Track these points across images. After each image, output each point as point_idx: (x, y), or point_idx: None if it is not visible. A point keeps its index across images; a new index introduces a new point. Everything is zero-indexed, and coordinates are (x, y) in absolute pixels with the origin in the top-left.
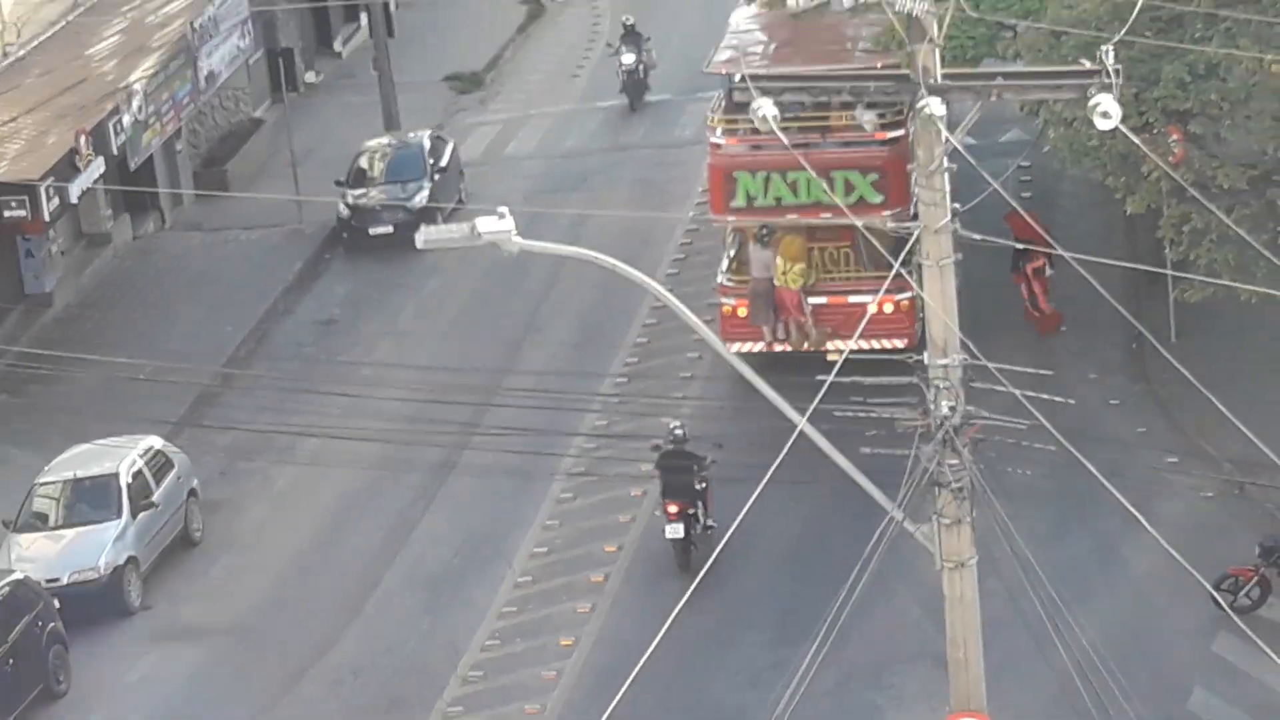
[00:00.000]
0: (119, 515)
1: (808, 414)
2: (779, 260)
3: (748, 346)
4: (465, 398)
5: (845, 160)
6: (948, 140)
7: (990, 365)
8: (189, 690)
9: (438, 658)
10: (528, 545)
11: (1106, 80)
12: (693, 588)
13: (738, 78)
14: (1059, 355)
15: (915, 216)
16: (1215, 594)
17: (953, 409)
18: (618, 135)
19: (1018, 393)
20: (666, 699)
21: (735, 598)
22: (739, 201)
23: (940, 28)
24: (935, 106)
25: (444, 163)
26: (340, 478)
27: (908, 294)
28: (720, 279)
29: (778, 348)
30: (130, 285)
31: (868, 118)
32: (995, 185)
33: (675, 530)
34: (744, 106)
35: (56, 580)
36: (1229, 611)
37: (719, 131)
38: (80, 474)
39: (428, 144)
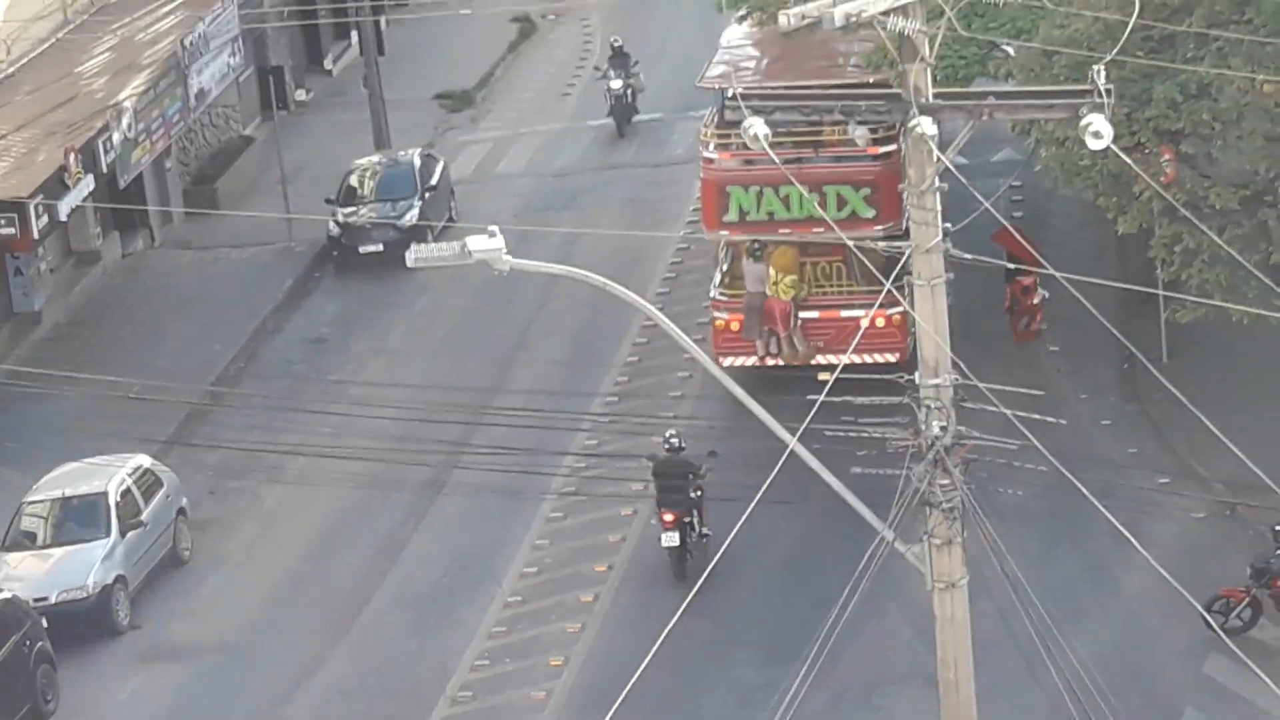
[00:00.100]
0: (107, 534)
1: (798, 434)
2: (771, 271)
3: (740, 361)
4: (455, 417)
5: (838, 175)
6: (939, 160)
7: (981, 385)
8: (177, 709)
9: (427, 678)
10: (517, 565)
11: (1098, 100)
12: (682, 608)
13: (730, 93)
14: (1050, 375)
15: (907, 231)
16: (1206, 615)
17: (944, 429)
18: (608, 154)
19: (1009, 413)
20: (657, 719)
21: (726, 617)
22: (732, 216)
23: (932, 47)
24: (927, 126)
25: (434, 181)
26: (329, 497)
27: (899, 309)
28: (713, 293)
29: (770, 362)
30: (119, 303)
31: (860, 133)
32: (987, 205)
33: (671, 539)
34: (737, 122)
35: (45, 599)
36: (1220, 633)
37: (712, 146)
38: (68, 492)
39: (418, 162)
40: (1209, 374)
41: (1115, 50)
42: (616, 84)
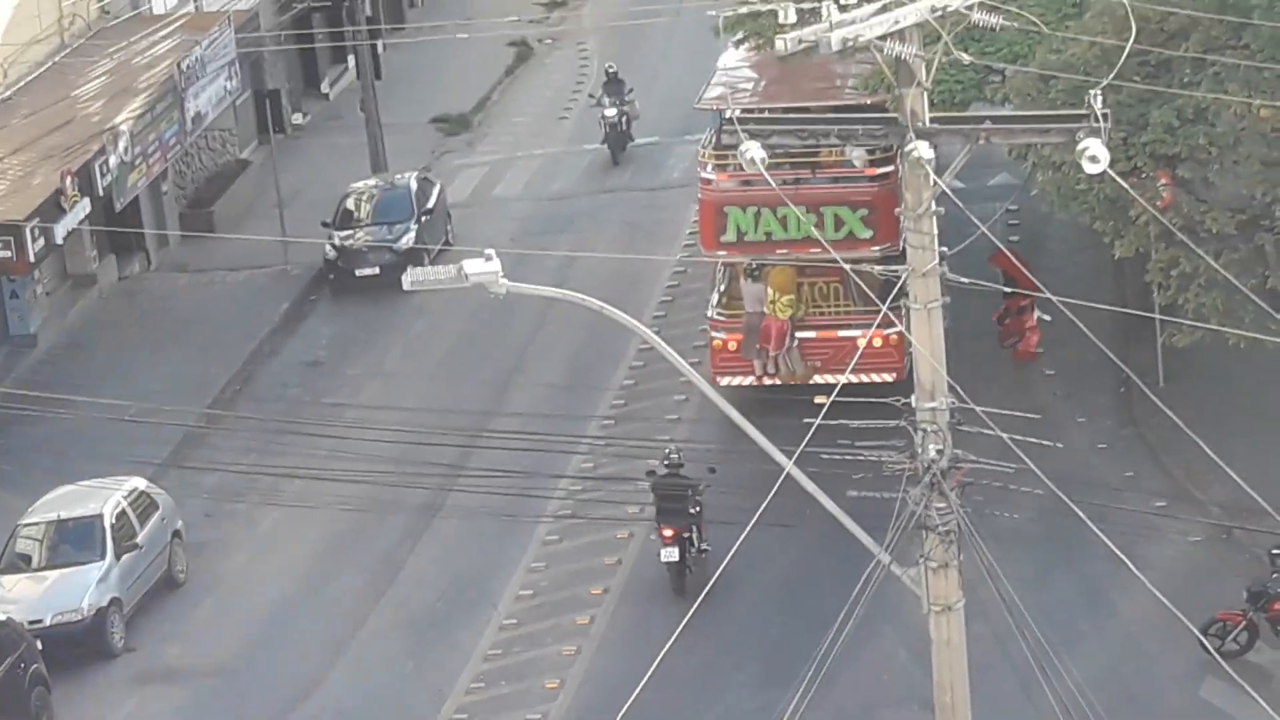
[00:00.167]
0: (102, 557)
1: (794, 457)
2: (769, 290)
3: (738, 380)
4: (451, 440)
5: (835, 196)
6: (936, 184)
7: (978, 409)
8: None
9: (422, 700)
10: (513, 588)
11: (1095, 124)
12: (678, 631)
13: (728, 114)
14: (1047, 399)
15: (905, 252)
16: (1203, 638)
17: (940, 452)
18: (605, 178)
19: (1005, 436)
20: None
21: (722, 640)
22: (729, 236)
23: (929, 71)
24: (923, 150)
25: (431, 204)
26: (325, 519)
27: (897, 328)
28: (711, 313)
29: (767, 381)
30: (115, 326)
31: (857, 154)
32: (983, 229)
33: (670, 554)
34: (735, 145)
35: (40, 621)
36: (1216, 656)
37: (710, 167)
38: (64, 515)
39: (415, 185)
40: (1205, 398)
41: (1112, 75)
42: (611, 111)
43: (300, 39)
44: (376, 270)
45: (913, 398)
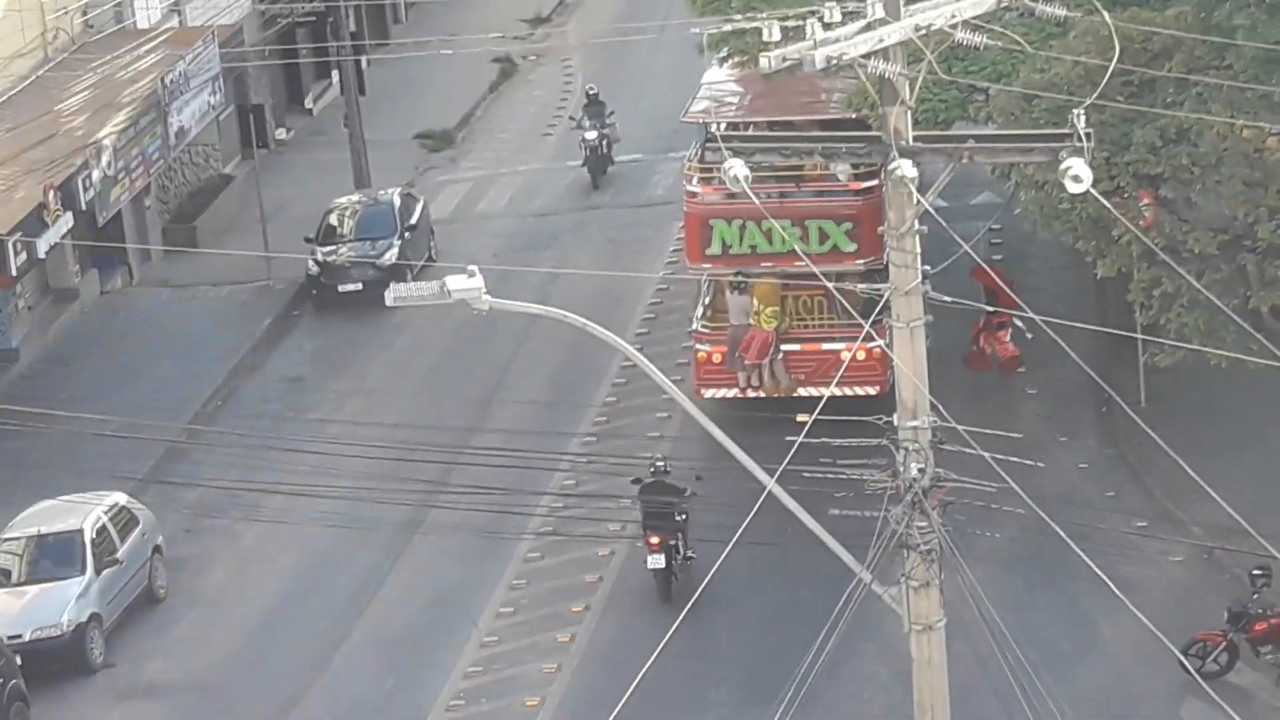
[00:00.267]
0: (82, 572)
1: (776, 475)
2: (754, 301)
3: (722, 392)
4: (433, 456)
5: (820, 210)
6: (919, 202)
7: (960, 428)
8: None
9: (402, 718)
10: (494, 605)
11: (1078, 144)
12: (659, 649)
13: (713, 127)
14: (1029, 418)
15: (889, 266)
16: (1184, 659)
17: (922, 471)
18: (588, 194)
19: (987, 455)
20: None
21: (704, 658)
22: (715, 249)
23: (912, 90)
24: (907, 169)
25: (414, 220)
26: (306, 536)
27: (880, 342)
28: (695, 325)
29: (751, 393)
30: (97, 341)
31: (842, 168)
32: (966, 247)
33: (657, 561)
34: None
35: (19, 637)
36: (1197, 677)
37: (695, 180)
38: (44, 530)
39: (398, 201)
40: (1187, 418)
41: (1095, 95)
42: (591, 134)
43: (284, 54)
44: (359, 286)
45: (895, 416)
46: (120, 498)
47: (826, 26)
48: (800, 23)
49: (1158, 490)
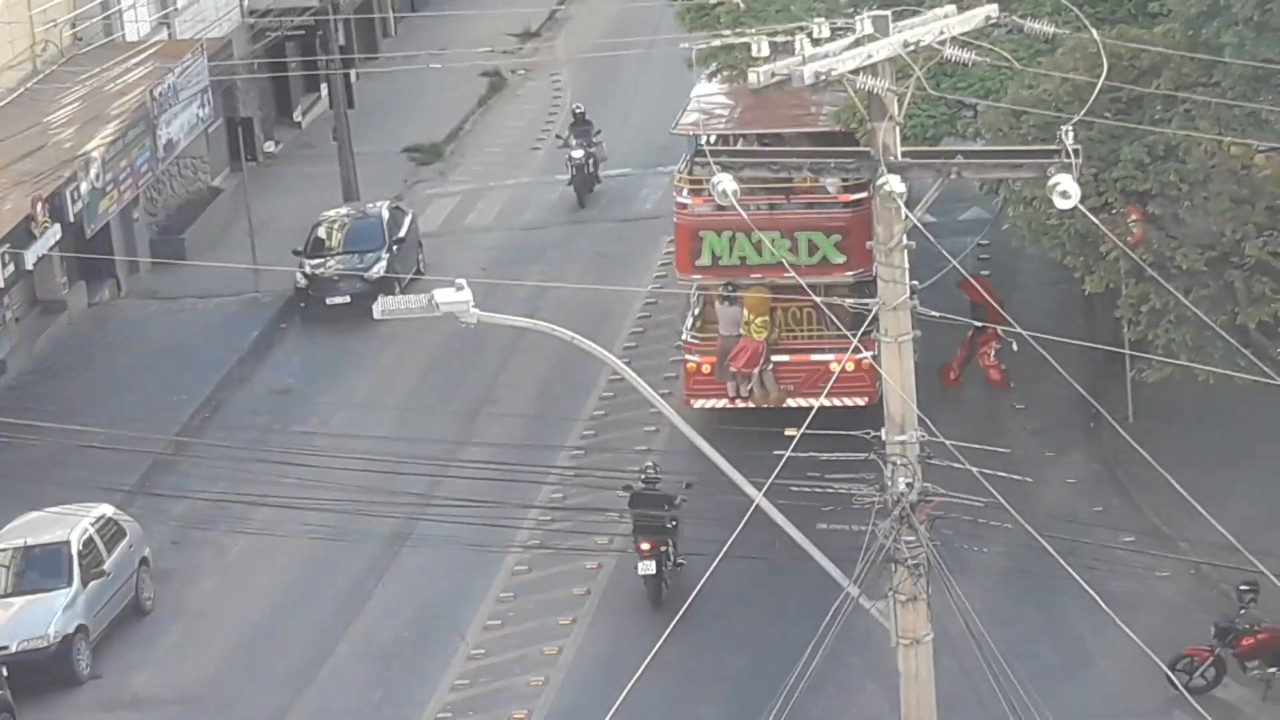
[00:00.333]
0: (69, 583)
1: (764, 489)
2: (744, 311)
3: (711, 403)
4: (420, 469)
5: (809, 221)
6: (907, 218)
7: (948, 442)
8: None
9: None
10: (481, 618)
11: (1066, 160)
12: (646, 662)
13: (703, 139)
14: (1017, 433)
15: (878, 279)
16: (1171, 674)
17: (910, 486)
18: (576, 208)
19: (975, 470)
20: None
21: (691, 671)
22: (704, 260)
23: (901, 106)
24: (895, 184)
25: (402, 233)
26: (293, 548)
27: (869, 353)
28: (685, 336)
29: (740, 404)
30: (85, 352)
31: (831, 180)
32: (954, 263)
33: (648, 567)
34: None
35: (5, 648)
36: (1184, 692)
37: (685, 191)
38: (30, 541)
39: (386, 214)
40: (1175, 433)
41: (1083, 111)
42: (578, 153)
43: (273, 67)
44: (347, 299)
45: (882, 431)
46: (107, 509)
47: (815, 42)
48: (789, 38)
49: (1145, 505)
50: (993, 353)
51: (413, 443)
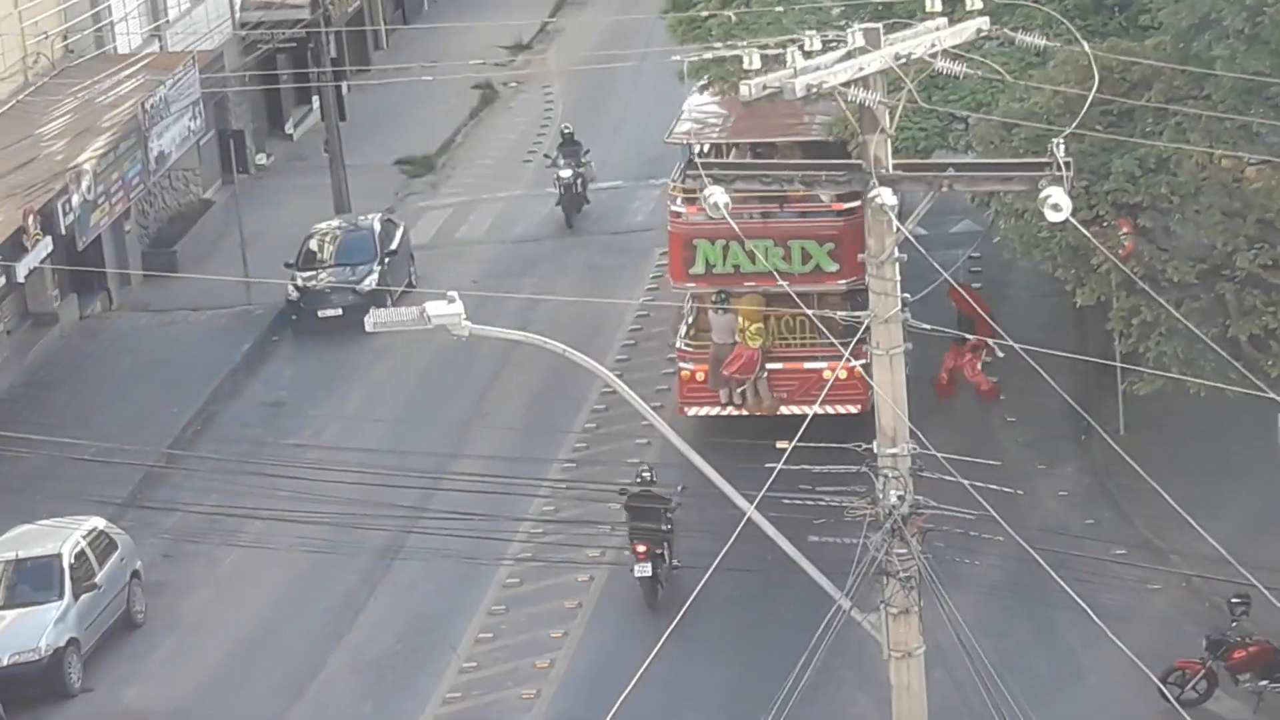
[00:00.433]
0: (60, 596)
1: (756, 501)
2: (739, 319)
3: (705, 410)
4: (412, 481)
5: (802, 230)
6: (899, 230)
7: (939, 455)
8: None
9: None
10: (473, 630)
11: (1057, 173)
12: (638, 675)
13: (697, 148)
14: (1008, 446)
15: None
16: (1162, 687)
17: (901, 498)
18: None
19: (966, 483)
20: None
21: (683, 684)
22: (698, 269)
23: (892, 119)
24: (887, 197)
25: (394, 246)
26: (285, 561)
27: (862, 360)
28: (679, 344)
29: (731, 411)
30: (76, 365)
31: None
32: (946, 275)
33: (644, 569)
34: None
35: None
36: (1176, 705)
37: (679, 200)
38: (22, 554)
39: (378, 227)
40: (1166, 446)
41: (1074, 124)
42: (566, 173)
43: (265, 79)
44: (339, 311)
45: (874, 443)
46: (99, 522)
47: (807, 55)
48: (780, 50)
49: (1137, 518)
50: (980, 364)
51: (405, 455)
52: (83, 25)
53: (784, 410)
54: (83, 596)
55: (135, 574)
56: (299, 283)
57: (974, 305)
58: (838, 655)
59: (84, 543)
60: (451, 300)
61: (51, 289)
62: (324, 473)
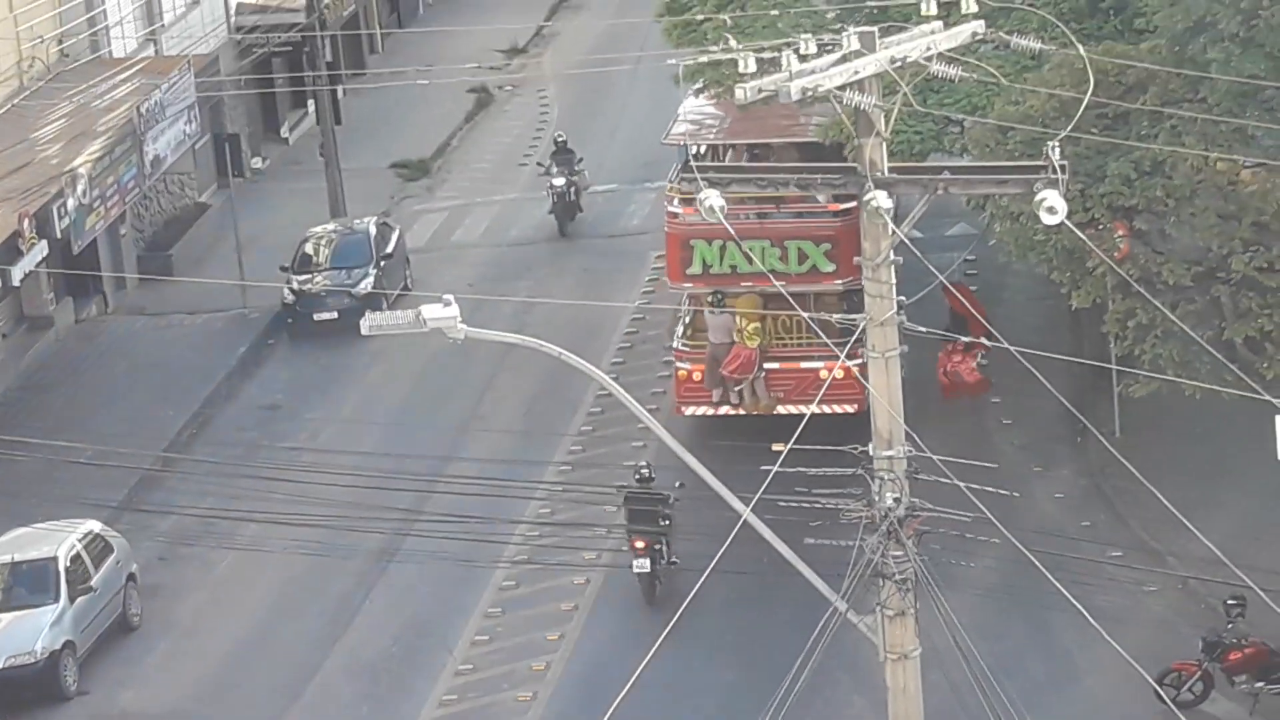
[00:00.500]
0: (56, 599)
1: (752, 504)
2: (738, 318)
3: (702, 410)
4: (408, 484)
5: (799, 231)
6: (894, 233)
7: (935, 457)
8: None
9: None
10: (469, 633)
11: (1053, 176)
12: (634, 678)
13: (694, 149)
14: (1004, 448)
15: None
16: (1159, 688)
17: (897, 500)
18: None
19: (962, 485)
20: None
21: (679, 686)
22: (695, 269)
23: (888, 122)
24: (882, 199)
25: (390, 249)
26: (281, 564)
27: (858, 360)
28: (676, 344)
29: (727, 410)
30: (72, 369)
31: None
32: (941, 278)
33: (642, 565)
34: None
35: None
36: (1172, 706)
37: (676, 201)
38: (18, 557)
39: (374, 230)
40: (1162, 448)
41: (1070, 127)
42: (559, 181)
43: (260, 83)
44: (335, 314)
45: (870, 446)
46: (94, 525)
47: (802, 58)
48: (776, 54)
49: (1133, 520)
50: (974, 364)
51: (400, 458)
52: (78, 29)
53: (780, 410)
54: (78, 599)
55: (131, 577)
56: (294, 286)
57: (967, 305)
58: (834, 657)
59: (80, 546)
60: (447, 303)
61: (47, 293)
62: (320, 475)
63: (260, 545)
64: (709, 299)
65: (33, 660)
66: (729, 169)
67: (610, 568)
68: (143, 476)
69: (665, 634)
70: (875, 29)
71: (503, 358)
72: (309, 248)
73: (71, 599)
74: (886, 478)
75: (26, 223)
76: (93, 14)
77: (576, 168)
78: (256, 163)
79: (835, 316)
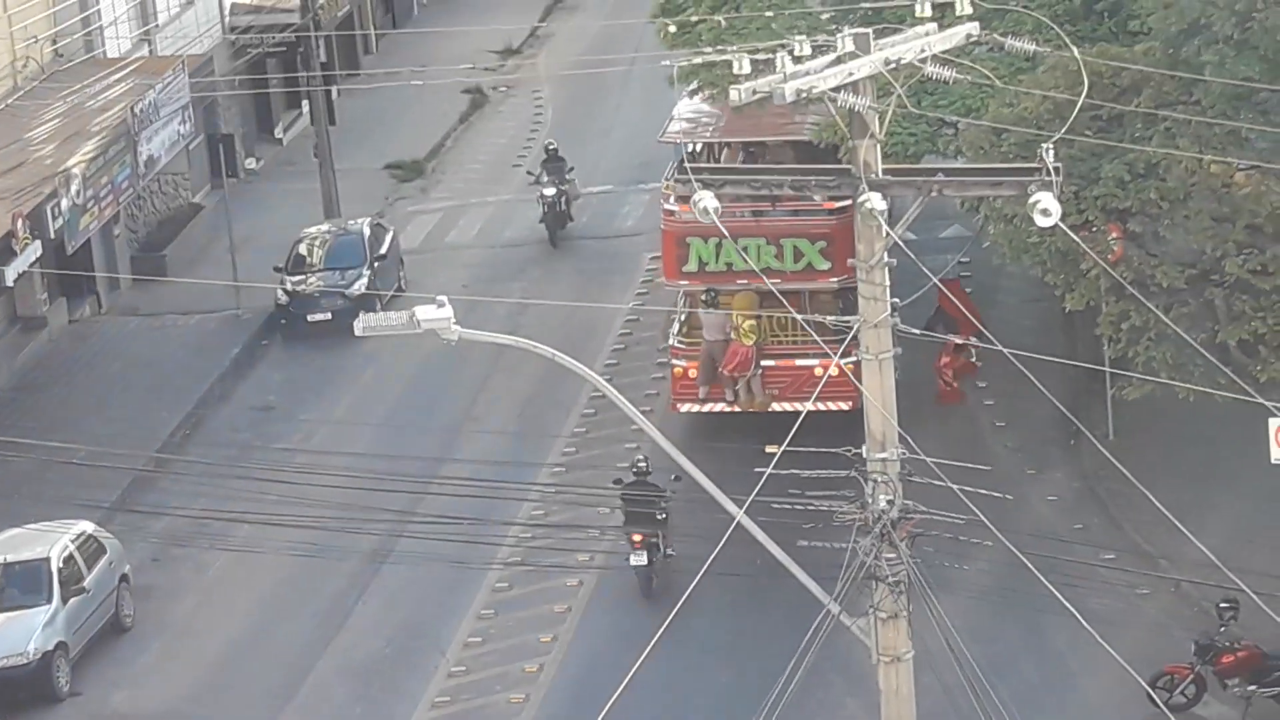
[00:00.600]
0: (49, 600)
1: (745, 506)
2: (734, 315)
3: (697, 407)
4: (401, 486)
5: (794, 228)
6: (888, 235)
7: (928, 460)
8: None
9: None
10: (462, 635)
11: (1047, 178)
12: (627, 680)
13: (690, 148)
14: (997, 451)
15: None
16: (1151, 691)
17: (890, 503)
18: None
19: (956, 488)
20: None
21: (671, 689)
22: (691, 266)
23: (882, 124)
24: (876, 201)
25: (384, 250)
26: (274, 565)
27: (853, 358)
28: (672, 341)
29: (723, 408)
30: (65, 369)
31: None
32: (935, 280)
33: (639, 558)
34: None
35: None
36: (1164, 709)
37: (672, 199)
38: (10, 558)
39: (367, 231)
40: (1155, 451)
41: (1064, 129)
42: (550, 190)
43: (254, 84)
44: (328, 315)
45: (863, 448)
46: (87, 526)
47: (797, 60)
48: (770, 56)
49: (1126, 523)
50: (960, 360)
51: (394, 460)
52: (72, 29)
53: (775, 407)
54: (71, 600)
55: (124, 578)
56: (288, 287)
57: (959, 306)
58: (827, 660)
59: (72, 547)
60: (441, 304)
61: (40, 293)
62: (313, 477)
63: (253, 546)
64: (703, 297)
65: (25, 661)
66: (723, 170)
67: (603, 569)
68: (136, 477)
69: (659, 636)
70: (870, 30)
71: (496, 359)
72: (303, 248)
73: (64, 600)
74: (880, 480)
75: (20, 223)
76: (87, 14)
77: (567, 176)
78: (250, 163)
79: (830, 319)
